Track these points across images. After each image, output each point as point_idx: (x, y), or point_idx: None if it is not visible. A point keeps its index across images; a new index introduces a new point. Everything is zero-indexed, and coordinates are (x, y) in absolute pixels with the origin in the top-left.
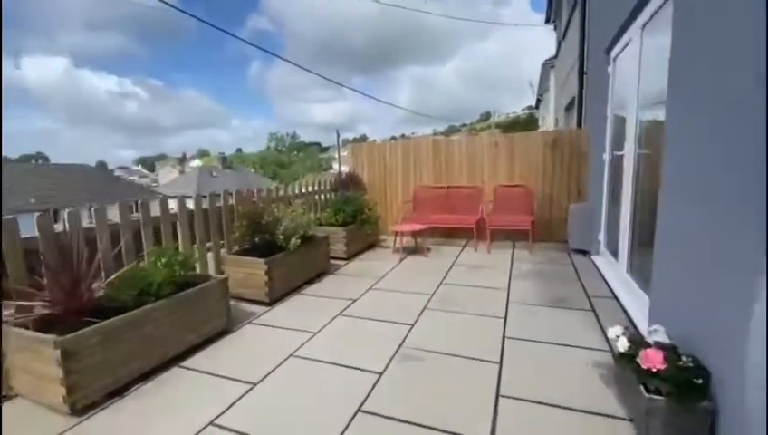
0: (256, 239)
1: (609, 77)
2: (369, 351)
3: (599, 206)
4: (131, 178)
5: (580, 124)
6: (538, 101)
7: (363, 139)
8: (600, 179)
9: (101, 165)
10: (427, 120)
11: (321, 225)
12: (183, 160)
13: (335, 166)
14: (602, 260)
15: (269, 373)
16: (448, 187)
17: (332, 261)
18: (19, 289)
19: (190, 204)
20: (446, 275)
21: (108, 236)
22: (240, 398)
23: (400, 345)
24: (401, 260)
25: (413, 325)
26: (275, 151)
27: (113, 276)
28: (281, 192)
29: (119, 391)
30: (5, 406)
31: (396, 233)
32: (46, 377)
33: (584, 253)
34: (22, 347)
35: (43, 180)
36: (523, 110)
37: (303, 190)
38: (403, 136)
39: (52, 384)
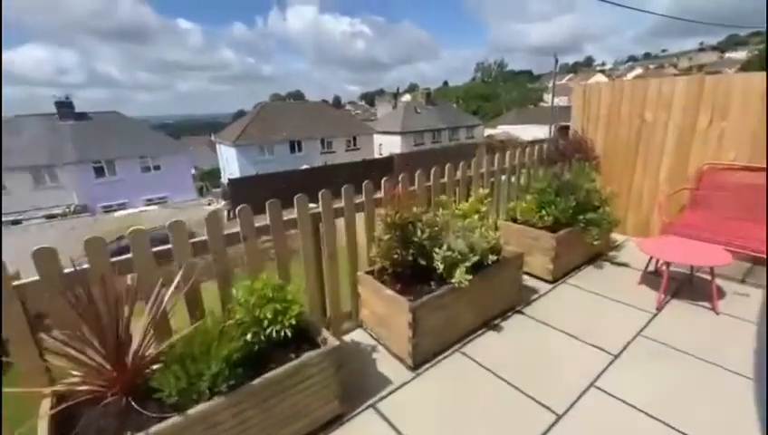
0: (408, 254)
1: None
2: None
3: None
4: (356, 112)
5: None
6: None
7: (588, 63)
8: None
9: (337, 100)
10: (695, 29)
11: (515, 221)
12: (396, 95)
13: (546, 98)
14: None
15: None
16: None
17: (527, 279)
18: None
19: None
20: None
21: (188, 249)
22: None
23: None
24: (660, 307)
25: None
26: (481, 83)
27: (168, 342)
28: (457, 174)
29: None
30: None
31: (653, 259)
32: None
33: None
34: None
35: (294, 116)
36: None
37: (490, 168)
38: (648, 56)
39: None
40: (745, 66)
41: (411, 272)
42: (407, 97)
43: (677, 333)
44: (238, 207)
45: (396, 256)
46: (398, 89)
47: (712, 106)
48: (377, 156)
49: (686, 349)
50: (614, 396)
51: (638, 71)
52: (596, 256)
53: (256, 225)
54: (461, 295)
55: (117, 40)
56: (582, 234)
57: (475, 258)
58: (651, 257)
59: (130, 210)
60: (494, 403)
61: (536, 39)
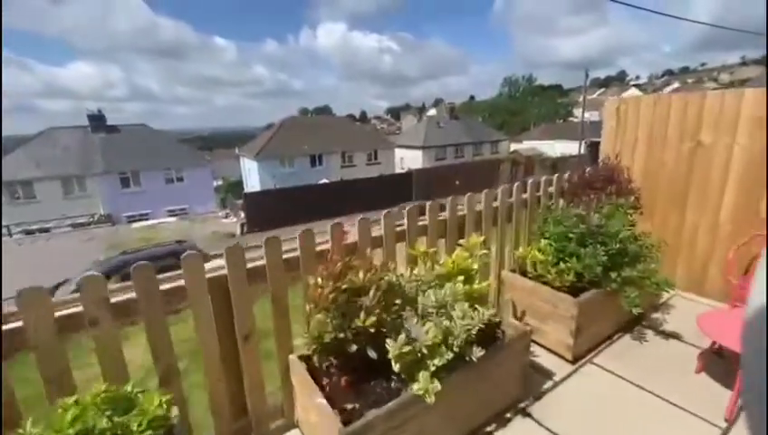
0: (350, 343)
1: None
2: None
3: None
4: (382, 126)
5: None
6: None
7: (621, 77)
8: None
9: (363, 114)
10: (736, 43)
11: (524, 274)
12: (422, 110)
13: (576, 113)
14: None
15: None
16: None
17: (539, 353)
18: None
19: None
20: None
21: None
22: None
23: None
24: (731, 419)
25: None
26: (508, 98)
27: None
28: (443, 214)
29: None
30: None
31: (705, 329)
32: None
33: None
34: None
35: (317, 130)
36: None
37: (491, 202)
38: (686, 70)
39: None
40: None
41: (362, 360)
42: (432, 111)
43: None
44: (135, 266)
45: (333, 342)
46: (423, 103)
47: None
48: (398, 170)
49: None
50: None
51: (675, 85)
52: (634, 322)
53: (160, 283)
54: (429, 408)
55: (158, 56)
56: (615, 296)
57: (449, 356)
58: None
59: (151, 221)
60: None
61: (567, 53)
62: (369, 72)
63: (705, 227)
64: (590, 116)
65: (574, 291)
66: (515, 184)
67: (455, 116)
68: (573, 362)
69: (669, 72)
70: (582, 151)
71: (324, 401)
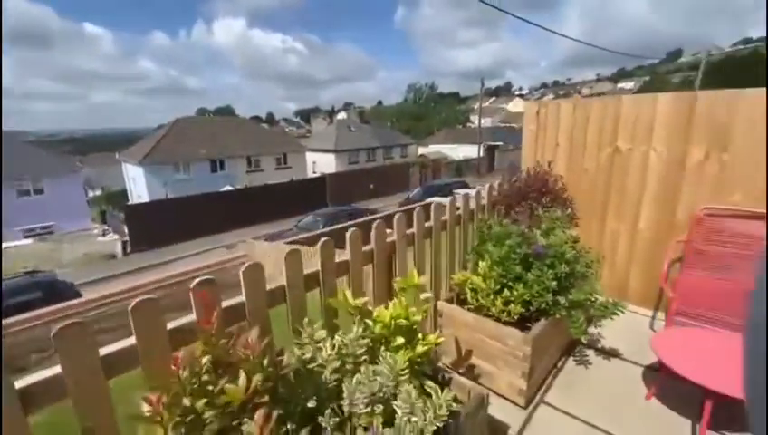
0: None
1: None
2: None
3: None
4: (291, 128)
5: None
6: None
7: (508, 88)
8: None
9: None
10: (593, 61)
11: (463, 304)
12: (332, 113)
13: (472, 119)
14: None
15: None
16: None
17: (488, 413)
18: None
19: None
20: None
21: None
22: None
23: None
24: None
25: None
26: (412, 104)
27: None
28: (367, 247)
29: None
30: None
31: (656, 349)
32: None
33: None
34: None
35: (217, 132)
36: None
37: (423, 224)
38: (556, 84)
39: None
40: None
41: None
42: (342, 115)
43: None
44: None
45: None
46: (333, 107)
47: (708, 133)
48: (311, 174)
49: None
50: None
51: (550, 96)
52: (574, 343)
53: None
54: None
55: (8, 44)
56: (562, 322)
57: None
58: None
59: None
60: None
61: (463, 64)
62: (274, 72)
63: (626, 234)
64: (485, 122)
65: (521, 321)
66: (450, 199)
67: (365, 120)
68: (525, 406)
69: (545, 85)
70: (481, 154)
71: None
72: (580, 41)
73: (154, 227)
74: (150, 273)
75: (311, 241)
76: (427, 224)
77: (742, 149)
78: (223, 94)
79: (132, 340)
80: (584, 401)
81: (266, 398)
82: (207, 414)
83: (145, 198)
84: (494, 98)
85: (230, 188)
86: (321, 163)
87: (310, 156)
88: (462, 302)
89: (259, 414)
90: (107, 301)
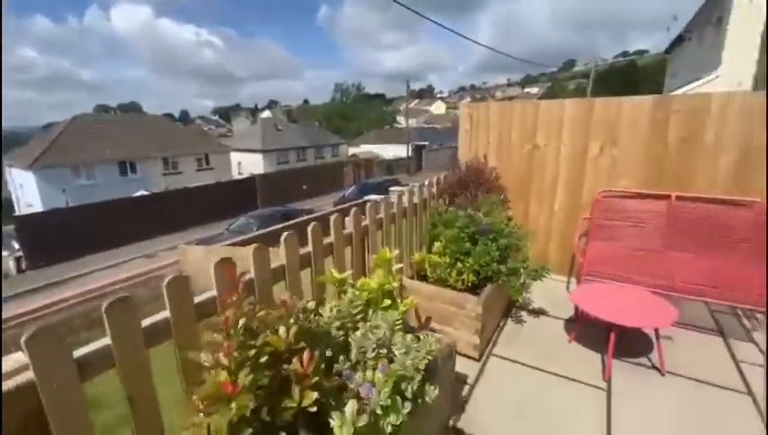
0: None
1: None
2: None
3: None
4: (209, 127)
5: None
6: (677, 41)
7: (430, 91)
8: None
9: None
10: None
11: (424, 278)
12: (255, 111)
13: (399, 120)
14: None
15: None
16: (677, 197)
17: None
18: None
19: None
20: None
21: None
22: None
23: None
24: (608, 378)
25: None
26: (340, 103)
27: None
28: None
29: None
30: None
31: (582, 315)
32: None
33: None
34: None
35: (124, 131)
36: (615, 57)
37: (389, 210)
38: (473, 87)
39: None
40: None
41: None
42: (266, 114)
43: (656, 420)
44: None
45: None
46: (256, 105)
47: (602, 131)
48: (236, 176)
49: None
50: None
51: (468, 100)
52: (510, 305)
53: None
54: None
55: None
56: (503, 287)
57: (407, 408)
58: (582, 315)
59: None
60: None
61: (388, 66)
62: (188, 67)
63: (544, 217)
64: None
65: (472, 289)
66: (406, 189)
67: (292, 119)
68: (479, 359)
69: (462, 88)
70: (410, 154)
71: None
72: (490, 48)
73: (55, 239)
74: (58, 290)
75: (249, 243)
76: (391, 211)
77: (626, 143)
78: (126, 89)
79: (166, 313)
80: (523, 350)
81: (302, 344)
82: (263, 359)
83: (37, 208)
84: (417, 100)
85: (145, 192)
86: (246, 164)
87: (234, 156)
88: (422, 278)
89: (306, 354)
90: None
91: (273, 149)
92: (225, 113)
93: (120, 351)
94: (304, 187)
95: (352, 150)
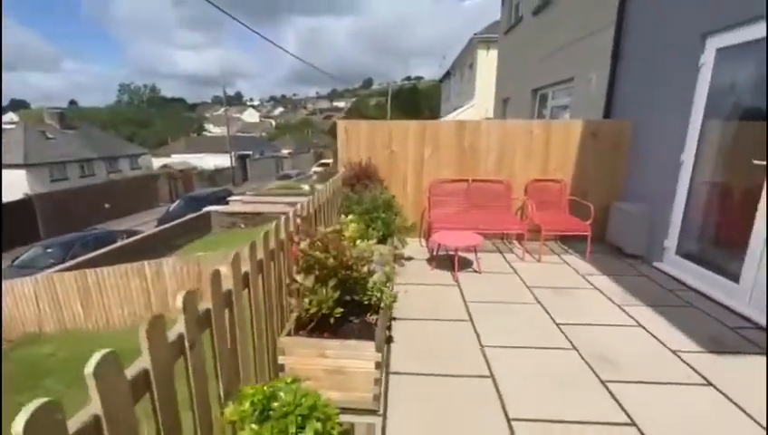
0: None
1: (704, 69)
2: None
3: (666, 209)
4: None
5: (608, 114)
6: (447, 74)
7: (239, 98)
8: (671, 181)
9: None
10: (314, 81)
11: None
12: None
13: (210, 128)
14: (679, 271)
15: None
16: (472, 181)
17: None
18: None
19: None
20: (547, 308)
21: None
22: None
23: None
24: (456, 280)
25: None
26: (130, 107)
27: None
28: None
29: None
30: None
31: (433, 244)
32: None
33: (635, 257)
34: None
35: None
36: (402, 80)
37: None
38: (284, 97)
39: None
40: (348, 112)
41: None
42: (12, 116)
43: (482, 291)
44: None
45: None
46: None
47: (432, 140)
48: None
49: (498, 298)
50: (490, 345)
51: (281, 109)
52: (396, 257)
53: None
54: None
55: None
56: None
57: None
58: (431, 249)
59: None
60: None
61: (187, 67)
62: None
63: (402, 195)
64: (221, 130)
65: (380, 241)
66: (329, 181)
67: (68, 125)
68: None
69: (274, 98)
70: (234, 164)
71: (356, 341)
72: (299, 58)
73: None
74: None
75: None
76: (327, 195)
77: (444, 149)
78: None
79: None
80: (410, 277)
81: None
82: (329, 265)
83: None
84: (228, 107)
85: None
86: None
87: None
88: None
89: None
90: None
91: (44, 163)
92: None
93: None
94: (107, 205)
95: (160, 161)
